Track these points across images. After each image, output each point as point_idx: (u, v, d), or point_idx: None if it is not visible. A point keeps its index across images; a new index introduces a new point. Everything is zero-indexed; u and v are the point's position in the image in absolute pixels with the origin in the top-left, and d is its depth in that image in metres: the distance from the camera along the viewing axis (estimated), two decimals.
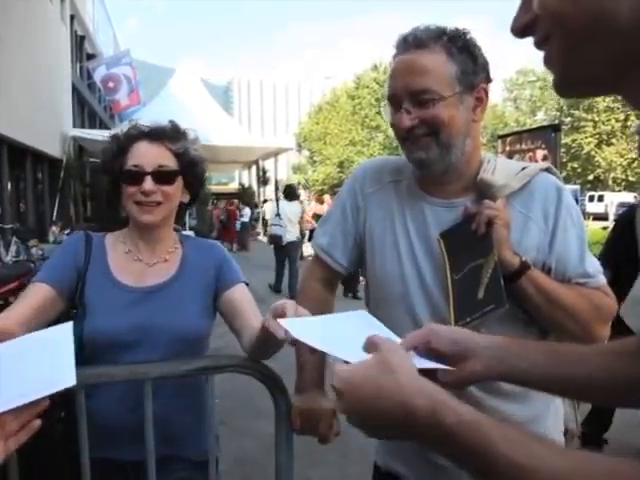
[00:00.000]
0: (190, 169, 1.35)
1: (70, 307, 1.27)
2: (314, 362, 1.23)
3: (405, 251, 1.17)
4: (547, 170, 1.17)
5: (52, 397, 1.11)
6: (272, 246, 8.93)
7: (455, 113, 1.07)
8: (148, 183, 1.26)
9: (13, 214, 12.49)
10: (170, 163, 1.30)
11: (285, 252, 8.73)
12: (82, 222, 16.14)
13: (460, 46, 1.07)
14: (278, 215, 8.88)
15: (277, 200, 10.28)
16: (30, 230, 12.56)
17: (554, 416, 1.20)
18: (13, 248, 10.41)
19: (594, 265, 1.13)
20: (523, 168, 1.14)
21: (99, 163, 1.38)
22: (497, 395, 1.10)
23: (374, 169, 1.29)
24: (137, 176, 1.27)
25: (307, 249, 9.81)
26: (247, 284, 1.40)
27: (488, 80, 1.12)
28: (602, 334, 1.13)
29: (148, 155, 1.28)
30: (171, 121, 1.37)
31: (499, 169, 1.13)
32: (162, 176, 1.28)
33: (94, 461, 1.13)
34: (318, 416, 1.16)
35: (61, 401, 1.23)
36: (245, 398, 3.79)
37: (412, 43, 1.08)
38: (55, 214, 14.61)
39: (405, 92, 1.08)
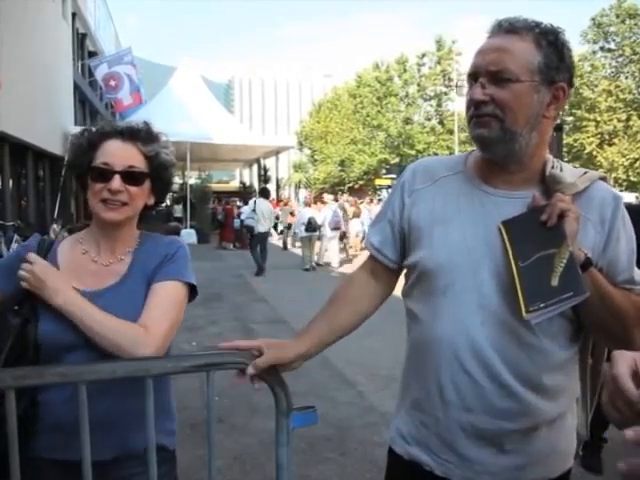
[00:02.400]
0: (159, 172, 1.34)
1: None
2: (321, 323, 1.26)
3: (456, 241, 1.16)
4: (603, 179, 1.20)
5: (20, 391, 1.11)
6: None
7: (527, 100, 1.09)
8: (116, 182, 1.25)
9: (14, 211, 12.49)
10: (140, 165, 1.30)
11: (257, 240, 11.08)
12: (83, 219, 16.13)
13: (550, 40, 1.10)
14: (254, 210, 11.25)
15: (254, 198, 12.41)
16: (31, 227, 12.57)
17: (572, 418, 1.24)
18: (14, 245, 10.43)
19: (639, 274, 1.17)
20: (585, 172, 1.17)
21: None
22: (535, 391, 1.13)
23: (426, 167, 1.30)
24: (105, 174, 1.26)
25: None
26: (191, 285, 1.34)
27: (570, 84, 1.14)
28: (637, 340, 1.15)
29: (119, 154, 1.28)
30: (146, 122, 1.36)
31: (565, 169, 1.16)
32: (131, 177, 1.28)
33: (44, 461, 1.15)
34: (273, 348, 1.17)
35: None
36: (243, 395, 3.80)
37: (504, 28, 1.11)
38: (56, 212, 14.60)
39: (485, 69, 1.10)
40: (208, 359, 1.17)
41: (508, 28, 1.11)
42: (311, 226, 11.64)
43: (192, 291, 1.36)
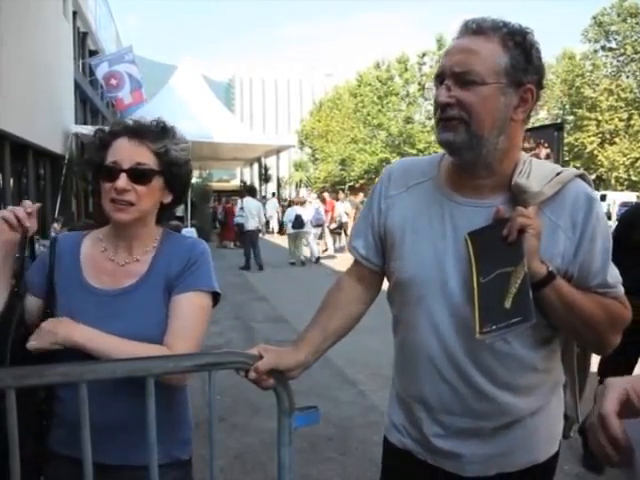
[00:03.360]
0: (171, 169, 1.29)
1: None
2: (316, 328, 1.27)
3: (426, 252, 1.16)
4: (581, 176, 1.16)
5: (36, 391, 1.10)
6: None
7: (493, 103, 1.06)
8: (122, 180, 1.22)
9: None
10: (149, 162, 1.26)
11: (247, 237, 11.79)
12: (83, 218, 16.14)
13: (517, 41, 1.07)
14: (242, 209, 12.16)
15: (242, 197, 13.23)
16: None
17: (557, 404, 1.25)
18: None
19: (614, 275, 1.14)
20: (558, 173, 1.13)
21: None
22: (508, 390, 1.16)
23: (400, 171, 1.28)
24: (113, 172, 1.23)
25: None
26: (216, 293, 1.33)
27: (539, 86, 1.11)
28: (614, 342, 1.15)
29: (126, 152, 1.25)
30: (157, 118, 1.33)
31: (534, 173, 1.11)
32: (138, 174, 1.24)
33: (59, 456, 1.14)
34: (273, 354, 1.16)
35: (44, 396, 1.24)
36: (245, 395, 3.80)
37: (471, 29, 1.09)
38: (57, 210, 14.60)
39: (451, 70, 1.08)
40: (209, 358, 1.16)
41: (475, 29, 1.09)
42: (298, 223, 12.32)
43: (215, 295, 1.34)
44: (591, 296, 1.11)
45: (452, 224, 1.15)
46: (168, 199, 1.35)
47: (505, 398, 1.16)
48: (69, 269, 1.31)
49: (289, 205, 15.48)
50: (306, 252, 12.96)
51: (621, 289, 1.15)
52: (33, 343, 1.17)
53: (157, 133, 1.29)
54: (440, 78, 1.11)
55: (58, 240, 1.35)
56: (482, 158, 1.10)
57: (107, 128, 1.31)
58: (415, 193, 1.22)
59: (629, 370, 3.12)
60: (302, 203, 13.33)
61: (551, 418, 1.24)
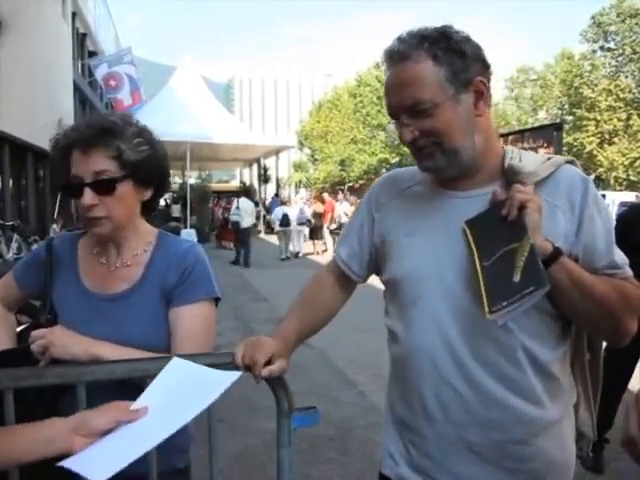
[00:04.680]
0: (135, 169, 1.22)
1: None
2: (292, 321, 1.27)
3: (421, 250, 1.14)
4: (572, 162, 1.16)
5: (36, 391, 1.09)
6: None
7: (453, 116, 1.06)
8: (87, 196, 1.18)
9: (14, 211, 12.49)
10: (108, 167, 1.19)
11: (241, 234, 12.90)
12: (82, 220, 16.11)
13: (443, 47, 1.05)
14: (238, 208, 13.40)
15: (238, 197, 14.75)
16: (31, 227, 12.55)
17: (568, 420, 1.18)
18: (14, 245, 10.41)
19: (621, 256, 1.11)
20: (549, 158, 1.12)
21: None
22: (522, 396, 1.09)
23: (391, 179, 1.30)
24: (77, 188, 1.19)
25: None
26: (217, 299, 1.30)
27: (486, 69, 1.10)
28: (630, 326, 1.08)
29: (82, 164, 1.19)
30: (110, 118, 1.24)
31: (525, 158, 1.11)
32: (100, 186, 1.18)
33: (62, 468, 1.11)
34: (261, 343, 1.13)
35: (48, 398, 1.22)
36: (245, 395, 3.80)
37: (396, 57, 1.07)
38: (56, 211, 14.60)
39: (399, 107, 1.08)
40: (208, 359, 1.16)
41: (399, 56, 1.07)
42: (285, 221, 13.87)
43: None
44: (601, 277, 1.07)
45: (446, 219, 1.13)
46: (147, 196, 1.29)
47: (514, 402, 1.08)
48: (67, 270, 1.30)
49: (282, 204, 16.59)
50: (291, 247, 14.35)
51: (629, 270, 1.11)
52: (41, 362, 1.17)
53: (107, 136, 1.20)
54: (394, 116, 1.11)
55: (54, 241, 1.34)
56: (465, 163, 1.10)
57: (61, 138, 1.25)
58: (407, 196, 1.22)
59: (630, 371, 3.12)
60: (285, 203, 14.97)
61: (566, 441, 1.15)
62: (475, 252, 1.06)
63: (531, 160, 1.11)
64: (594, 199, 1.09)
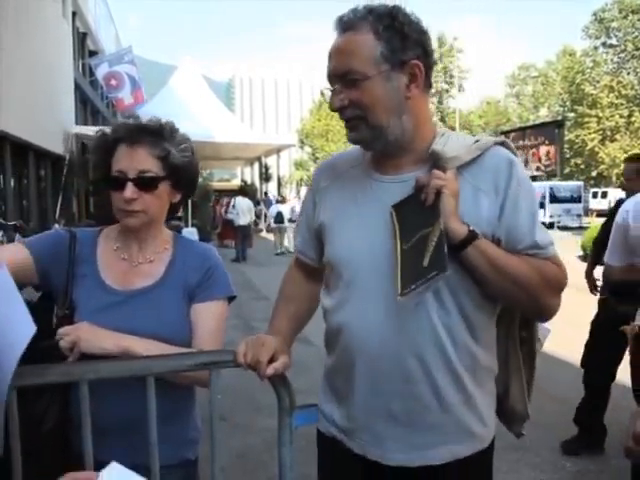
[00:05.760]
0: (175, 172, 1.29)
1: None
2: (283, 313, 1.33)
3: (355, 233, 1.18)
4: (502, 144, 1.17)
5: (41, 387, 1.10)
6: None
7: (381, 92, 1.08)
8: (129, 191, 1.23)
9: (16, 211, 12.51)
10: (152, 167, 1.26)
11: (239, 232, 13.56)
12: (85, 219, 16.15)
13: (387, 24, 1.08)
14: (234, 207, 14.14)
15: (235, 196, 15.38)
16: (33, 227, 12.57)
17: (487, 395, 1.21)
18: None
19: (545, 237, 1.14)
20: (477, 141, 1.15)
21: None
22: (439, 370, 1.13)
23: (328, 165, 1.34)
24: (119, 182, 1.24)
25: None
26: (232, 298, 1.38)
27: (426, 56, 1.12)
28: (552, 304, 1.14)
29: (129, 160, 1.25)
30: (154, 119, 1.31)
31: (452, 141, 1.14)
32: (143, 183, 1.25)
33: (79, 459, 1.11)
34: (262, 342, 1.15)
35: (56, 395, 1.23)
36: (246, 394, 3.80)
37: (342, 26, 1.11)
38: (58, 211, 14.62)
39: (335, 73, 1.11)
40: (211, 357, 1.16)
41: (344, 26, 1.10)
42: (279, 218, 14.72)
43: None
44: (521, 257, 1.10)
45: (378, 203, 1.16)
46: (177, 198, 1.36)
47: (434, 376, 1.13)
48: (86, 265, 1.30)
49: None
50: (286, 242, 14.89)
51: (553, 250, 1.15)
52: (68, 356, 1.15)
53: (156, 136, 1.27)
54: (330, 84, 1.13)
55: (77, 235, 1.33)
56: (392, 143, 1.13)
57: (109, 131, 1.30)
58: (344, 180, 1.25)
59: (614, 366, 3.13)
60: (280, 201, 15.80)
61: (481, 410, 1.19)
62: (398, 235, 1.11)
63: (457, 144, 1.13)
64: (518, 182, 1.12)
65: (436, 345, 1.12)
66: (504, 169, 1.12)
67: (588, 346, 3.25)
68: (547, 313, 1.16)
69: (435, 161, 1.12)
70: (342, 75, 1.09)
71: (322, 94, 1.17)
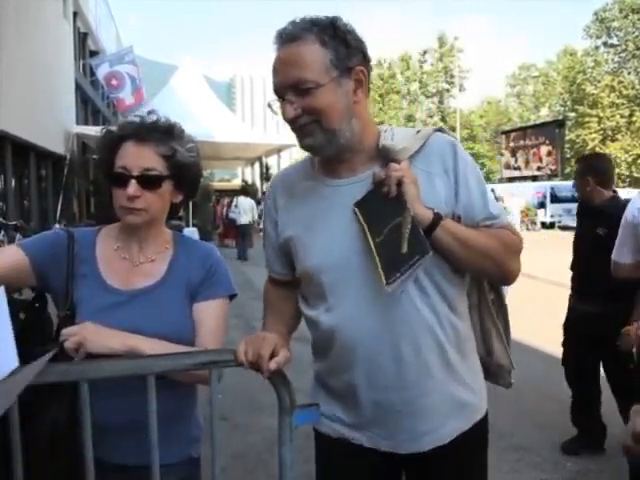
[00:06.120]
0: (179, 173, 1.29)
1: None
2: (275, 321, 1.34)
3: (324, 240, 1.21)
4: (440, 130, 1.26)
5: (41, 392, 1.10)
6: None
7: (334, 98, 1.14)
8: (132, 188, 1.22)
9: (17, 211, 12.52)
10: (157, 166, 1.25)
11: (240, 230, 14.04)
12: (85, 219, 16.16)
13: (331, 34, 1.13)
14: (236, 206, 14.71)
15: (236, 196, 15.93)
16: (34, 227, 12.58)
17: (470, 363, 1.29)
18: None
19: (497, 207, 1.23)
20: (418, 131, 1.23)
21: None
22: (429, 353, 1.19)
23: (282, 181, 1.37)
24: (123, 179, 1.23)
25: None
26: (233, 295, 1.38)
27: (366, 62, 1.19)
28: (514, 268, 1.23)
29: (134, 157, 1.24)
30: (164, 119, 1.31)
31: (397, 135, 1.20)
32: (147, 181, 1.24)
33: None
34: (262, 337, 1.17)
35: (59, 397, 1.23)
36: (247, 393, 3.80)
37: (286, 38, 1.14)
38: (59, 211, 14.63)
39: (285, 85, 1.14)
40: (211, 356, 1.16)
41: (289, 37, 1.14)
42: None
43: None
44: (481, 229, 1.19)
45: (338, 206, 1.21)
46: (178, 199, 1.36)
47: (424, 359, 1.18)
48: (85, 266, 1.29)
49: None
50: None
51: (505, 218, 1.25)
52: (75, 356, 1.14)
53: (163, 135, 1.27)
54: (278, 95, 1.16)
55: (75, 236, 1.32)
56: (343, 146, 1.18)
57: (114, 128, 1.30)
58: (300, 193, 1.29)
59: (595, 373, 3.14)
60: None
61: (470, 384, 1.26)
62: (367, 230, 1.15)
63: (402, 137, 1.20)
64: (464, 160, 1.20)
65: (425, 327, 1.18)
66: (448, 151, 1.20)
67: (563, 344, 3.27)
68: (511, 277, 1.24)
69: (387, 155, 1.18)
70: (294, 85, 1.13)
71: (270, 107, 1.19)
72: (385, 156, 1.18)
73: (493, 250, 1.17)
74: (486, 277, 1.29)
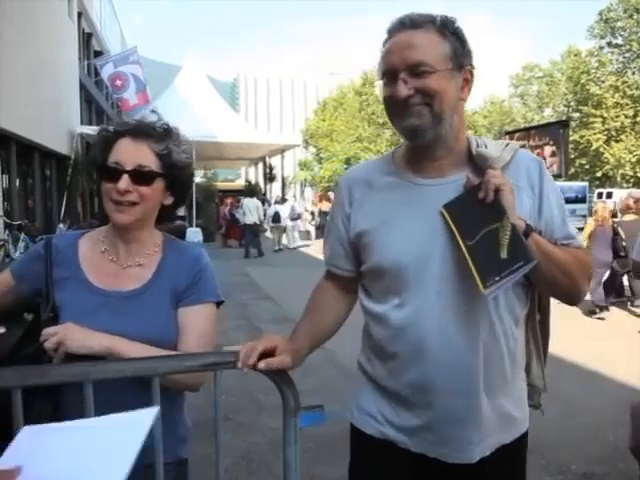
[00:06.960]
0: (172, 172, 1.29)
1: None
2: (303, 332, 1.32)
3: (401, 238, 1.21)
4: (523, 147, 1.29)
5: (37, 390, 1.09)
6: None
7: (447, 86, 1.17)
8: (124, 182, 1.22)
9: (21, 211, 12.57)
10: (151, 164, 1.26)
11: (247, 230, 14.54)
12: (89, 218, 16.21)
13: (451, 30, 1.19)
14: (240, 207, 15.46)
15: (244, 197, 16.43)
16: (38, 227, 12.62)
17: (521, 384, 1.31)
18: (22, 244, 10.48)
19: (573, 228, 1.27)
20: (507, 144, 1.26)
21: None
22: (493, 365, 1.21)
23: (357, 175, 1.36)
24: (115, 173, 1.23)
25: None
26: (220, 302, 1.37)
27: (473, 67, 1.23)
28: (584, 289, 1.27)
29: (128, 153, 1.25)
30: (161, 119, 1.33)
31: (489, 145, 1.24)
32: (140, 176, 1.24)
33: None
34: (266, 335, 1.17)
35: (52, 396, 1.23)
36: (250, 393, 3.80)
37: (408, 24, 1.19)
38: (63, 211, 14.68)
39: (402, 65, 1.16)
40: (215, 358, 1.16)
41: (411, 24, 1.18)
42: (276, 218, 15.87)
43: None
44: (561, 247, 1.22)
45: (421, 205, 1.21)
46: (169, 201, 1.35)
47: (488, 371, 1.19)
48: (68, 268, 1.30)
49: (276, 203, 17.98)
50: (284, 241, 16.09)
51: (581, 239, 1.30)
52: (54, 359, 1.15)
53: (160, 134, 1.28)
54: (391, 74, 1.18)
55: (53, 240, 1.34)
56: (442, 137, 1.20)
57: (111, 127, 1.31)
58: (379, 188, 1.29)
59: None
60: (279, 202, 17.02)
61: (517, 398, 1.29)
62: (457, 233, 1.15)
63: (494, 147, 1.23)
64: (548, 178, 1.25)
65: (495, 336, 1.20)
66: (534, 167, 1.24)
67: None
68: (579, 296, 1.27)
69: (482, 162, 1.20)
70: (412, 66, 1.15)
71: (376, 86, 1.22)
72: (480, 163, 1.20)
73: (571, 268, 1.20)
74: (556, 294, 1.27)
